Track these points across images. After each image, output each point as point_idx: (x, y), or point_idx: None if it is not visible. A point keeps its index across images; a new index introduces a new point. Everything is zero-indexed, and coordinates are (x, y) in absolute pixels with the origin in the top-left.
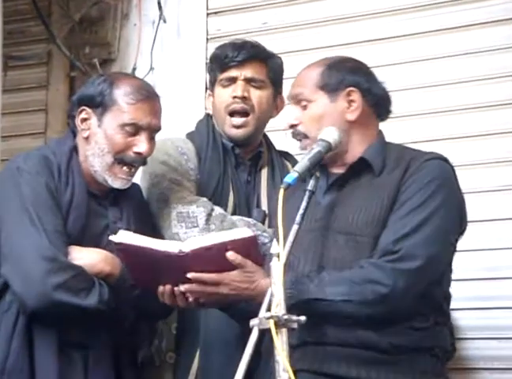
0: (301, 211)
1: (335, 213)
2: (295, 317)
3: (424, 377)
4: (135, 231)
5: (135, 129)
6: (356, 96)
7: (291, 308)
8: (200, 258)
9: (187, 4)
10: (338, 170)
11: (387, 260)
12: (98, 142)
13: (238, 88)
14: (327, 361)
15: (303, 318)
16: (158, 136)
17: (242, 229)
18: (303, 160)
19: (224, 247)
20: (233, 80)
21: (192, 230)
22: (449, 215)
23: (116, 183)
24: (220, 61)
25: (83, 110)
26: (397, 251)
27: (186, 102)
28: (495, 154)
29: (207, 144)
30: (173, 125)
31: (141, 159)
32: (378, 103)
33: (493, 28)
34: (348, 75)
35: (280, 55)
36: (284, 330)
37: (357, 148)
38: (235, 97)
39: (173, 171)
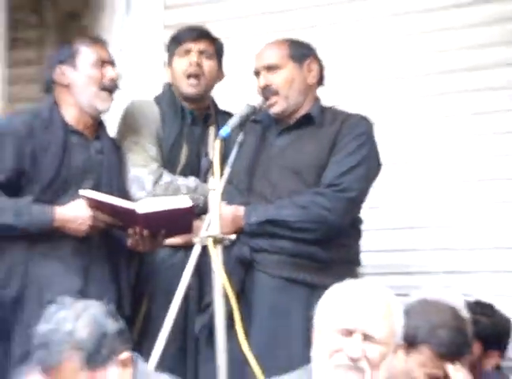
0: (231, 157)
1: (285, 154)
2: (226, 236)
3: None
4: (110, 163)
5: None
6: (315, 66)
7: (253, 227)
8: (148, 217)
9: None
10: (289, 121)
11: (331, 190)
12: (80, 82)
13: (193, 57)
14: (282, 267)
15: (232, 237)
16: (127, 99)
17: (183, 198)
18: (234, 117)
19: (168, 212)
20: (188, 51)
21: (141, 192)
22: (374, 162)
23: (103, 105)
24: (179, 37)
25: (57, 67)
26: (339, 184)
27: (147, 75)
28: None
29: (169, 107)
30: (137, 95)
31: (115, 83)
32: (322, 73)
33: None
34: (308, 50)
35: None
36: (219, 246)
37: (306, 106)
38: (191, 64)
39: (135, 133)
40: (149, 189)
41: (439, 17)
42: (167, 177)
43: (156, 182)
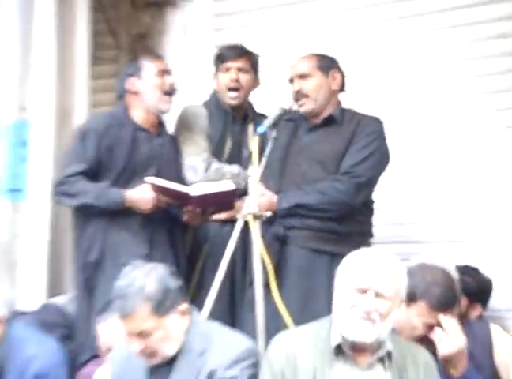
0: (267, 150)
1: (312, 148)
2: (263, 213)
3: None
4: (170, 155)
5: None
6: (338, 75)
7: (285, 211)
8: (199, 198)
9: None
10: (316, 120)
11: (346, 177)
12: (146, 89)
13: (232, 74)
14: (309, 240)
15: (268, 213)
16: (182, 104)
17: (227, 183)
18: (269, 118)
19: (215, 194)
20: (229, 69)
21: (195, 176)
22: (383, 155)
23: (166, 106)
24: (222, 57)
25: (128, 79)
26: (352, 172)
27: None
28: None
29: (215, 110)
30: (192, 98)
31: (174, 88)
32: (344, 81)
33: None
34: (332, 62)
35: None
36: (258, 221)
37: (330, 108)
38: (231, 80)
39: (188, 130)
40: (201, 174)
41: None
42: (215, 164)
43: (206, 169)
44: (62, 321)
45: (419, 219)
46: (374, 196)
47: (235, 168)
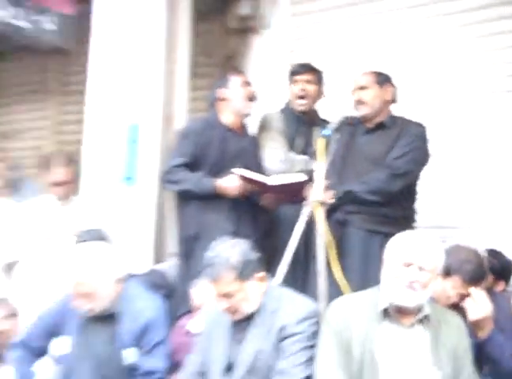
0: (333, 150)
1: (366, 148)
2: (327, 200)
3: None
4: (252, 151)
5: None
6: (390, 89)
7: (340, 201)
8: (276, 187)
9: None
10: (370, 126)
11: (388, 169)
12: (233, 97)
13: (300, 85)
14: (365, 223)
15: (330, 201)
16: (261, 111)
17: (299, 175)
18: (333, 123)
19: (288, 184)
20: (298, 81)
21: (274, 165)
22: (422, 152)
23: (249, 111)
24: (293, 72)
25: (218, 90)
26: (393, 165)
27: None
28: None
29: (288, 115)
30: (270, 106)
31: (255, 96)
32: (395, 94)
33: None
34: (386, 78)
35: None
36: (322, 207)
37: (382, 116)
38: (300, 90)
39: (267, 131)
40: (278, 162)
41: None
42: (290, 156)
43: (282, 158)
44: (164, 283)
45: (454, 209)
46: (418, 188)
47: (304, 158)
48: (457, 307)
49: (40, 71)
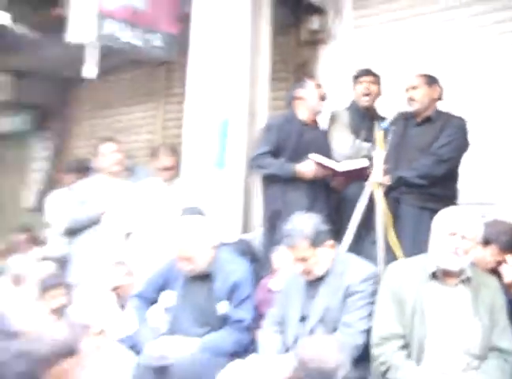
0: (390, 140)
1: (416, 139)
2: (385, 182)
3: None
4: (323, 141)
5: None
6: (437, 88)
7: (394, 184)
8: (343, 172)
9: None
10: (419, 119)
11: (433, 156)
12: (308, 97)
13: (365, 85)
14: (417, 200)
15: (387, 182)
16: (330, 109)
17: (363, 160)
18: (390, 118)
19: (354, 170)
20: (362, 82)
21: (344, 150)
22: (462, 141)
23: (321, 108)
24: (358, 75)
25: (295, 91)
26: (437, 152)
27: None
28: None
29: (354, 111)
30: (336, 105)
31: (325, 96)
32: (441, 93)
33: None
34: (434, 80)
35: None
36: (381, 187)
37: (430, 111)
38: (364, 88)
39: (336, 124)
40: (348, 149)
41: None
42: (357, 142)
43: (351, 146)
44: (250, 250)
45: (492, 188)
46: (460, 171)
47: (368, 145)
48: (494, 271)
49: (150, 79)
